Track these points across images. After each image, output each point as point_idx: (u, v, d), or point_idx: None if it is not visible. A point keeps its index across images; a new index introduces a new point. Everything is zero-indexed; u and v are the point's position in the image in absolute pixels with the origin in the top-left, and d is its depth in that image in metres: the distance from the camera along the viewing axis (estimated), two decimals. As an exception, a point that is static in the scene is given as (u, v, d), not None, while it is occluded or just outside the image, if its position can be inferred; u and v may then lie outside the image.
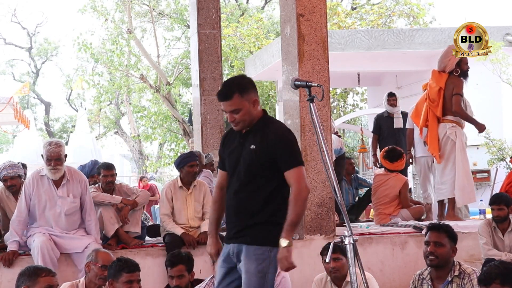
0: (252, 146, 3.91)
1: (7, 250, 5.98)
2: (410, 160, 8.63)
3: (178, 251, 5.69)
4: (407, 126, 8.81)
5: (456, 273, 4.77)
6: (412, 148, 8.68)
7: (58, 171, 6.02)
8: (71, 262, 6.06)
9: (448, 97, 7.79)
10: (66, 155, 6.12)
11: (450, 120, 7.80)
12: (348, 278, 5.04)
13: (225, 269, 4.00)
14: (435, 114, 7.85)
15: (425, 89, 8.16)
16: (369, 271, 5.78)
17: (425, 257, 4.88)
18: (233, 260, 3.96)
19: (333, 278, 5.26)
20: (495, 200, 6.30)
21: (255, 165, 3.89)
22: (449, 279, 4.78)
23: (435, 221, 7.24)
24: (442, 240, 4.80)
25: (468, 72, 7.87)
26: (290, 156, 3.86)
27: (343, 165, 9.27)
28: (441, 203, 7.93)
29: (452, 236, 4.89)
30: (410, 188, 9.71)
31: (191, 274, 5.52)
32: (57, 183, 6.08)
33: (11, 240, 6.01)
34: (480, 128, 7.92)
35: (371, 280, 5.26)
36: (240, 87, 3.90)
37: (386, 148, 8.39)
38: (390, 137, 9.31)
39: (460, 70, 7.79)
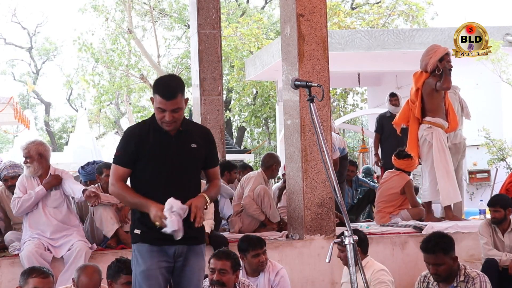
0: (193, 145, 3.99)
1: (40, 190, 5.97)
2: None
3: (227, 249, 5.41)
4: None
5: (462, 278, 4.78)
6: None
7: (28, 168, 6.09)
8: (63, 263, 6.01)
9: (425, 97, 7.62)
10: (41, 154, 6.09)
11: (428, 122, 7.66)
12: None
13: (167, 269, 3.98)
14: (415, 115, 7.73)
15: None
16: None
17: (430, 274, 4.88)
18: (172, 260, 3.96)
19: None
20: (491, 202, 6.35)
21: (195, 163, 4.04)
22: (455, 284, 4.80)
23: (425, 227, 7.12)
24: (440, 260, 4.74)
25: (451, 70, 7.48)
26: (216, 154, 4.21)
27: (346, 165, 9.26)
28: (427, 204, 7.88)
29: (447, 248, 4.78)
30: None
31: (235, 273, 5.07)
32: (42, 180, 6.14)
33: (37, 191, 5.99)
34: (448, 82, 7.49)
35: (383, 271, 5.29)
36: (181, 87, 3.94)
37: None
38: (392, 137, 9.27)
39: (442, 69, 7.47)
